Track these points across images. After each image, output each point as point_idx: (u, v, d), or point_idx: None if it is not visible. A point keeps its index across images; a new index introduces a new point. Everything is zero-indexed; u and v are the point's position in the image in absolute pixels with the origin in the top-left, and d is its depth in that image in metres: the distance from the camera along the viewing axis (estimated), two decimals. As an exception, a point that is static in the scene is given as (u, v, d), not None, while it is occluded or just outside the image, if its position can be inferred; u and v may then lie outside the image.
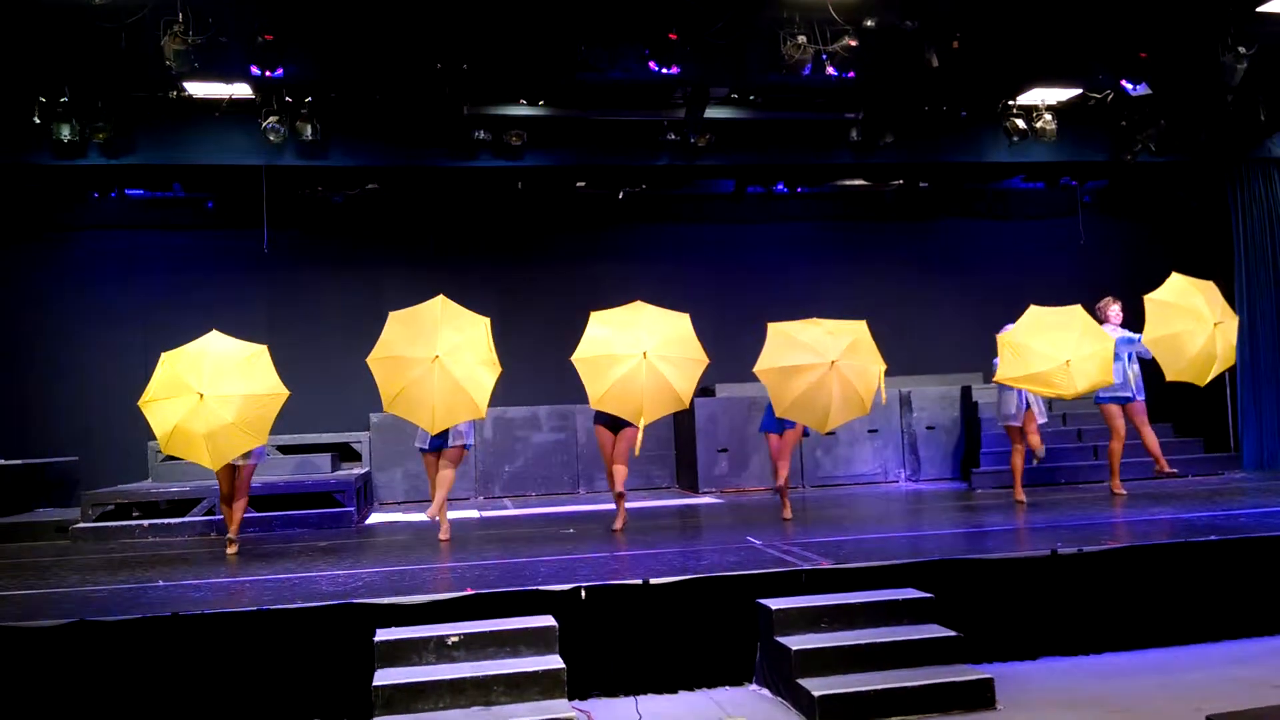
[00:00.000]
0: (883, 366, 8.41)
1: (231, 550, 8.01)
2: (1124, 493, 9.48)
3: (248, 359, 7.68)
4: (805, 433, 8.91)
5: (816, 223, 13.41)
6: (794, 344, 8.31)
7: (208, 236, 12.11)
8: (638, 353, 7.92)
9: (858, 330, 8.46)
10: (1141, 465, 10.23)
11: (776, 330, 8.45)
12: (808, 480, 11.80)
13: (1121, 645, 6.37)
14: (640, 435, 8.16)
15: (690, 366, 8.13)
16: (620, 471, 8.55)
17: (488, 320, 8.12)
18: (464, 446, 8.30)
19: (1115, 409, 9.52)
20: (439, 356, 7.70)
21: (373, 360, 7.87)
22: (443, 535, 8.29)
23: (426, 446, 8.23)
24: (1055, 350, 8.69)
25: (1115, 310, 9.59)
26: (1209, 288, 9.12)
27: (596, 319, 8.24)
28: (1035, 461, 9.66)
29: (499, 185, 12.06)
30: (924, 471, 12.11)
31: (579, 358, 8.04)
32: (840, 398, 8.17)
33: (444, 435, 8.12)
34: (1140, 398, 9.51)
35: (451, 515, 8.57)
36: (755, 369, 8.33)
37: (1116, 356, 9.34)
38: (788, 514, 8.87)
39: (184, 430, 7.38)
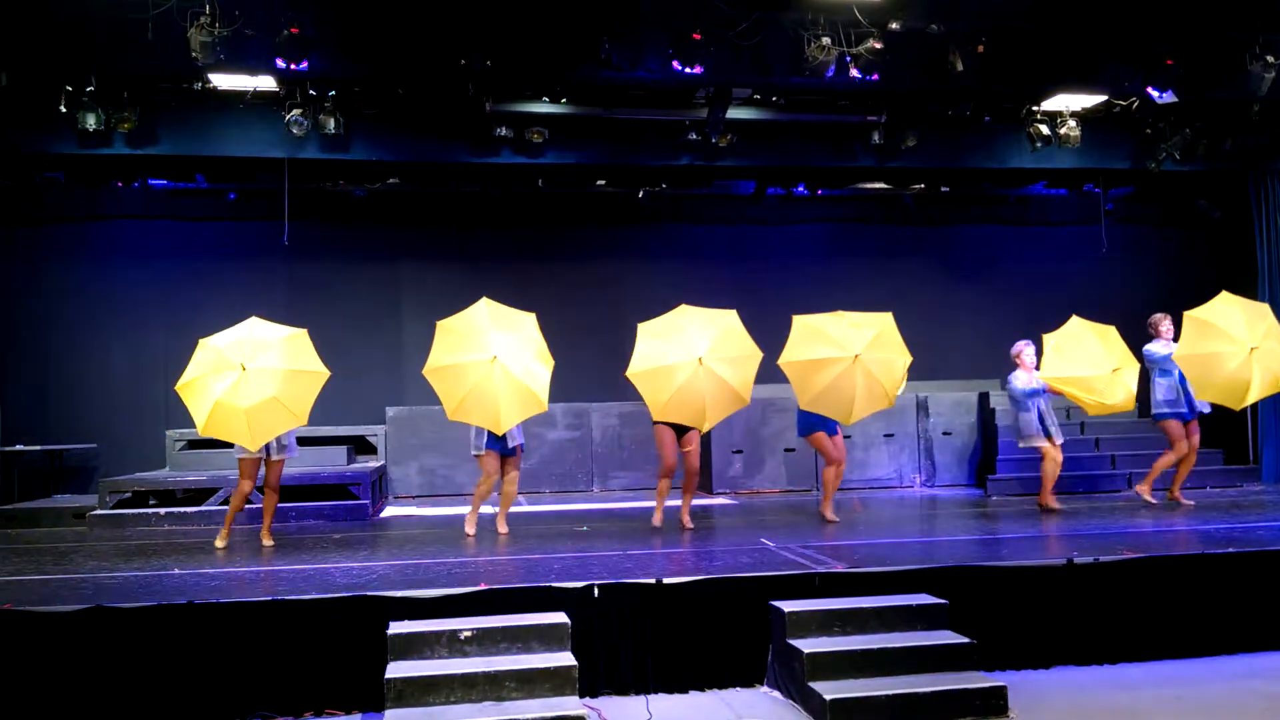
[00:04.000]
0: (908, 359, 8.38)
1: (267, 543, 7.97)
2: (1155, 502, 9.45)
3: (287, 338, 7.71)
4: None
5: (836, 225, 13.37)
6: (818, 336, 8.28)
7: (229, 228, 12.16)
8: (693, 359, 7.90)
9: (882, 322, 8.42)
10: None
11: (801, 323, 8.42)
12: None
13: (1137, 656, 6.33)
14: (696, 437, 8.27)
15: (745, 363, 8.10)
16: (695, 478, 8.63)
17: (534, 315, 8.15)
18: (520, 447, 8.37)
19: (1176, 424, 9.37)
20: (497, 357, 7.70)
21: (429, 371, 7.85)
22: (502, 530, 8.40)
23: (485, 447, 8.16)
24: (1102, 358, 8.81)
25: (1167, 325, 9.40)
26: (1258, 310, 8.95)
27: (645, 330, 8.21)
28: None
29: (519, 182, 12.07)
30: (940, 477, 12.07)
31: (634, 373, 8.03)
32: (865, 391, 8.13)
33: (503, 435, 8.11)
34: (1200, 413, 9.38)
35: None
36: (779, 361, 8.31)
37: (1165, 372, 9.32)
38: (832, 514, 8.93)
39: (226, 406, 7.31)
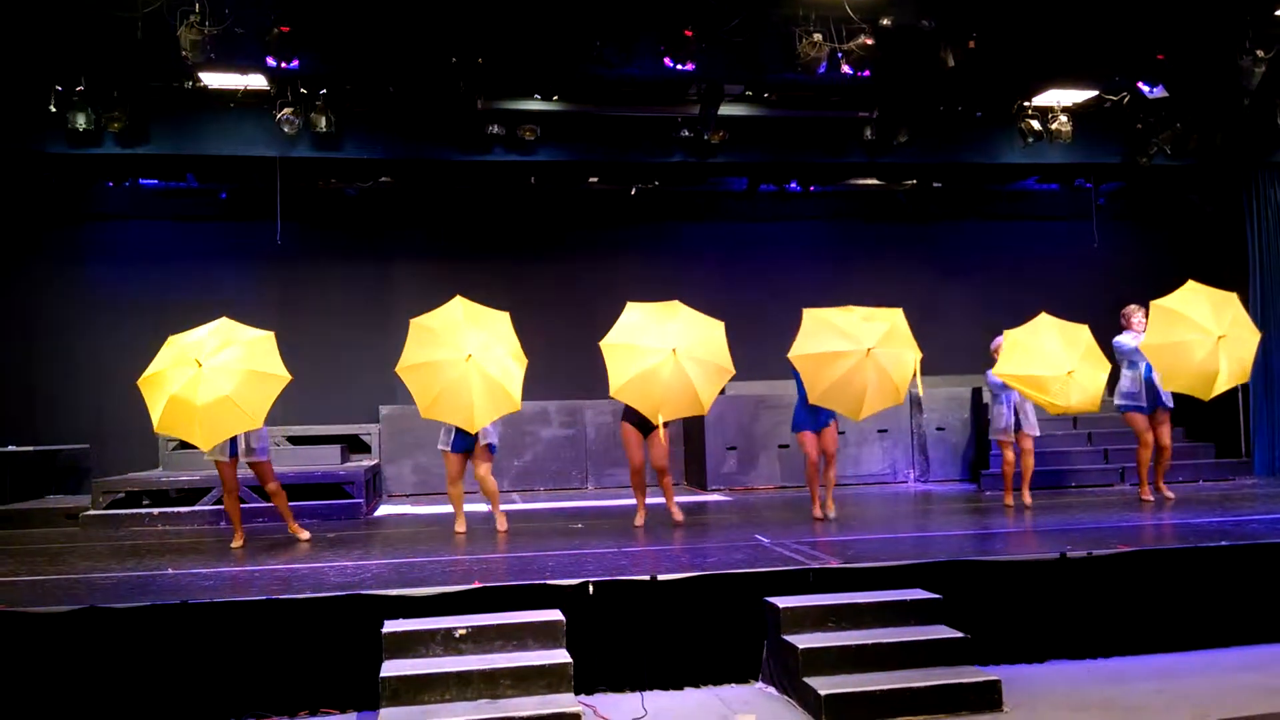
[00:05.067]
0: (918, 355, 8.29)
1: (236, 545, 7.88)
2: (1151, 499, 9.40)
3: (252, 340, 7.66)
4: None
5: (829, 222, 13.39)
6: (829, 329, 8.21)
7: (221, 227, 12.13)
8: (667, 349, 7.86)
9: (893, 317, 8.35)
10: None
11: (812, 316, 8.35)
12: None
13: (1130, 650, 6.35)
14: (665, 435, 8.20)
15: (716, 374, 8.07)
16: (664, 476, 8.61)
17: (507, 314, 8.14)
18: (490, 446, 8.30)
19: (1139, 416, 9.39)
20: (472, 355, 7.69)
21: (402, 369, 7.84)
22: (501, 527, 8.38)
23: (450, 448, 8.21)
24: (1060, 358, 8.60)
25: (1139, 318, 9.36)
26: (1225, 299, 8.86)
27: (632, 309, 8.19)
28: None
29: (512, 180, 12.07)
30: (933, 472, 12.09)
31: (607, 343, 7.99)
32: (875, 386, 8.05)
33: (472, 435, 8.15)
34: (1166, 407, 9.36)
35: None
36: (790, 354, 8.25)
37: (1133, 364, 9.31)
38: (818, 512, 8.80)
39: (180, 401, 7.23)
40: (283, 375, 7.63)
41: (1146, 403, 9.35)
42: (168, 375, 7.36)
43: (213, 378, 7.32)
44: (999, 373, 8.91)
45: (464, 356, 7.69)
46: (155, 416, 7.37)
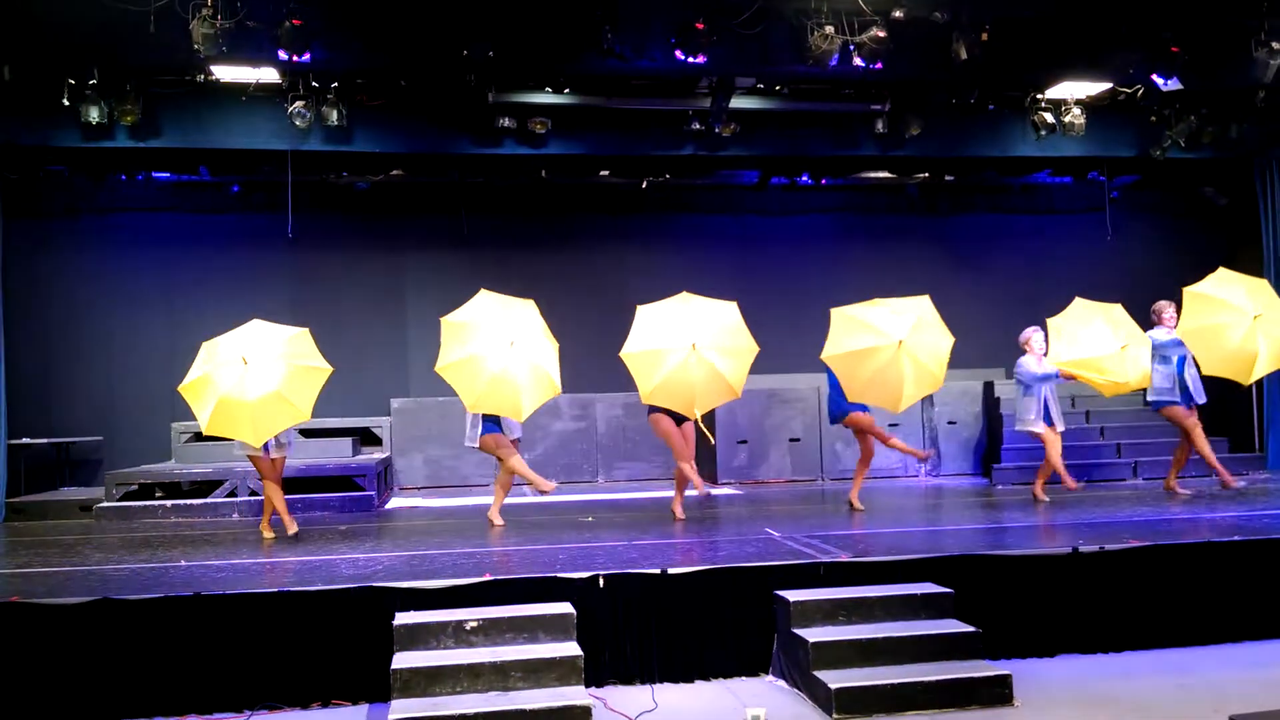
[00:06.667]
0: (951, 339, 8.27)
1: (293, 531, 8.02)
2: (1240, 483, 9.43)
3: (290, 337, 7.76)
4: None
5: (840, 214, 13.35)
6: (858, 326, 8.18)
7: (233, 220, 12.15)
8: (687, 345, 7.86)
9: (921, 306, 8.33)
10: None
11: (840, 314, 8.33)
12: (827, 473, 11.78)
13: (1142, 644, 6.34)
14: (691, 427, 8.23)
15: (740, 355, 8.08)
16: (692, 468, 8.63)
17: (533, 301, 8.20)
18: (518, 440, 8.41)
19: (1176, 408, 9.31)
20: (515, 342, 7.75)
21: (442, 368, 7.85)
22: (497, 521, 8.43)
23: (477, 441, 8.23)
24: (1110, 336, 8.66)
25: (1170, 313, 9.31)
26: (1257, 284, 8.84)
27: (643, 313, 8.17)
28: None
29: (523, 172, 12.06)
30: (945, 466, 12.06)
31: (628, 354, 7.99)
32: (913, 377, 8.03)
33: (498, 424, 8.19)
34: (1196, 403, 9.33)
35: (472, 502, 8.62)
36: (823, 355, 8.24)
37: (1165, 359, 9.25)
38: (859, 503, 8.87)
39: (230, 402, 7.31)
40: (325, 367, 7.73)
41: (1181, 398, 9.29)
42: (213, 378, 7.43)
43: (260, 375, 7.40)
44: (1056, 362, 8.90)
45: (508, 345, 7.73)
46: (203, 420, 7.43)
